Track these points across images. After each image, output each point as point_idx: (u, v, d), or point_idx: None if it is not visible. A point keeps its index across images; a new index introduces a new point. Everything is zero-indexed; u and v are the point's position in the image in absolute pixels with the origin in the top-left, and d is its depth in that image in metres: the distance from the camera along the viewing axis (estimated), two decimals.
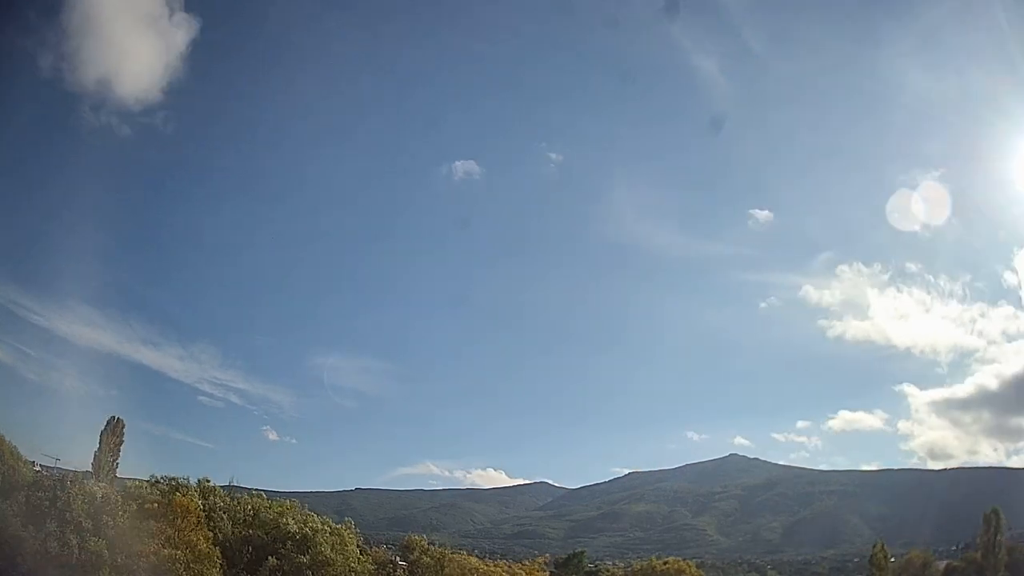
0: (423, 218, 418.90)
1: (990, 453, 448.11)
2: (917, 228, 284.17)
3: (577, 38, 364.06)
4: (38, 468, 66.49)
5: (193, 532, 43.33)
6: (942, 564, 76.64)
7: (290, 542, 49.37)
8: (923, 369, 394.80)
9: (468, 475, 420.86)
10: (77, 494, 40.42)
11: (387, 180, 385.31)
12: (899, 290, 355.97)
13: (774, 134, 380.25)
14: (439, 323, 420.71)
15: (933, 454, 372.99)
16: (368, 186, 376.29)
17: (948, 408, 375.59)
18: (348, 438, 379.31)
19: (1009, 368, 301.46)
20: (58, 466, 73.54)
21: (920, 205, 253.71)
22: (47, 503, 40.11)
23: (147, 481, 52.00)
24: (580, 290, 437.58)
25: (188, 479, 52.01)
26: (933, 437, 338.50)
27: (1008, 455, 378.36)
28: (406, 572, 57.85)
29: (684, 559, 77.22)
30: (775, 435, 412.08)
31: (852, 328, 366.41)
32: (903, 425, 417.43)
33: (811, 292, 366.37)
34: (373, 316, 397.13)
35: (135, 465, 61.15)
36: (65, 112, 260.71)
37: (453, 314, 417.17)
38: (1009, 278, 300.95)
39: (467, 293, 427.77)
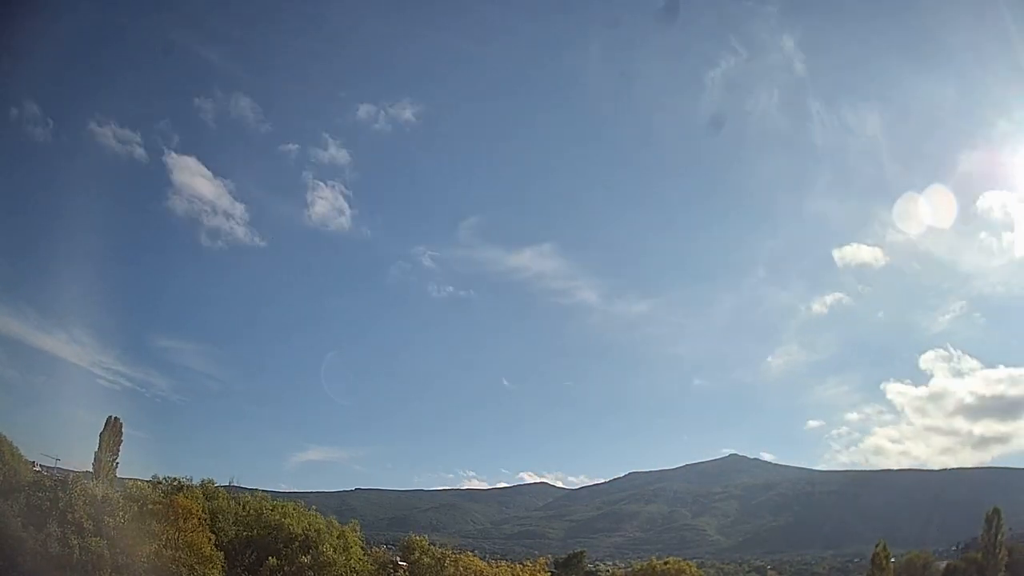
0: None
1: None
2: (921, 231, 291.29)
3: None
4: (38, 468, 66.57)
5: (195, 534, 43.25)
6: (942, 564, 76.45)
7: (296, 543, 49.35)
8: None
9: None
10: (78, 495, 40.35)
11: None
12: None
13: None
14: (440, 327, 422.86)
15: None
16: None
17: None
18: (234, 424, 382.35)
19: None
20: (58, 466, 73.72)
21: (927, 208, 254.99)
22: (48, 504, 40.06)
23: (148, 481, 51.96)
24: None
25: (191, 479, 52.06)
26: None
27: (1008, 456, 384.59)
28: (406, 572, 57.70)
29: (684, 559, 77.08)
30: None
31: None
32: None
33: None
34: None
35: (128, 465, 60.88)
36: None
37: (455, 317, 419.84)
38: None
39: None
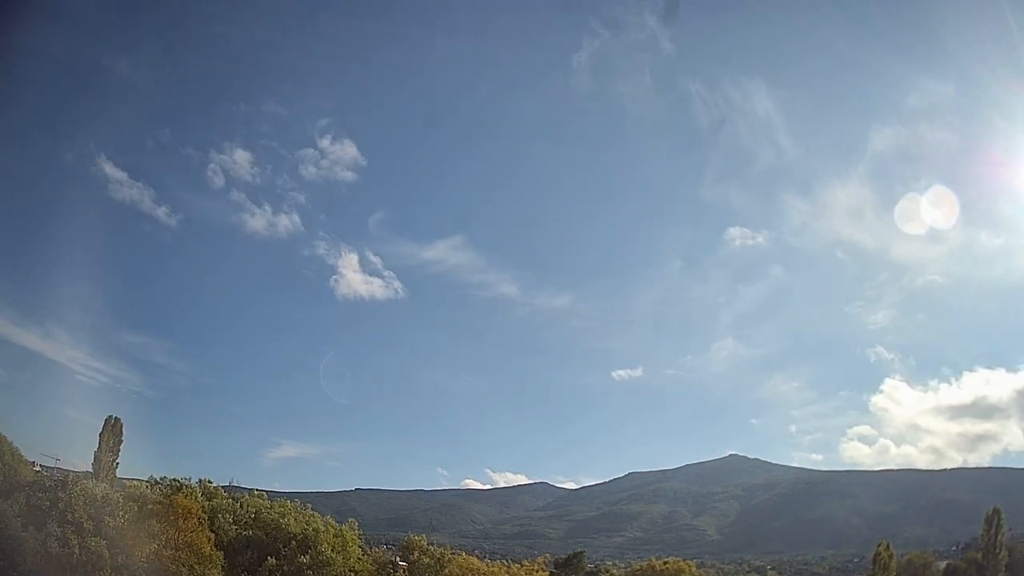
0: None
1: None
2: (923, 232, 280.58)
3: None
4: (38, 468, 66.62)
5: (195, 534, 43.29)
6: (942, 564, 76.50)
7: (294, 542, 49.42)
8: None
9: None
10: (78, 495, 40.36)
11: None
12: None
13: None
14: (439, 324, 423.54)
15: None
16: None
17: None
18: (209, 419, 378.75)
19: None
20: (58, 466, 73.77)
21: (929, 210, 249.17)
22: (47, 504, 40.07)
23: (147, 481, 52.04)
24: None
25: (190, 479, 52.14)
26: None
27: (1006, 456, 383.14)
28: (406, 572, 57.77)
29: (684, 559, 77.15)
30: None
31: None
32: None
33: None
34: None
35: (130, 465, 61.05)
36: None
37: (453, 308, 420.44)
38: None
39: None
